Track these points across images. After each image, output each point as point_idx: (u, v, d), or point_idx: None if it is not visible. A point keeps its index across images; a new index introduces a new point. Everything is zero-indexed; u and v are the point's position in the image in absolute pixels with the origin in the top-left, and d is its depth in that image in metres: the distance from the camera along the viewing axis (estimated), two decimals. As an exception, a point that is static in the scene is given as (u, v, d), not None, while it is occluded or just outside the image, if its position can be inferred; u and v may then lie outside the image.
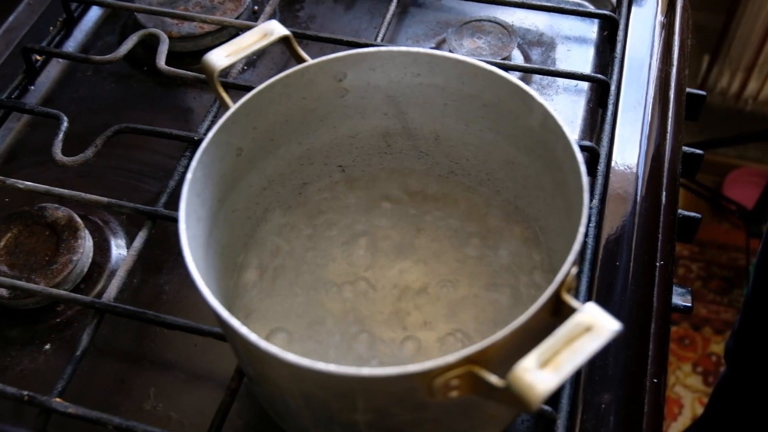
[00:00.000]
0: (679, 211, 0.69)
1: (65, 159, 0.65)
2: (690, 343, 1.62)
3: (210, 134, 0.45)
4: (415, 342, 0.53)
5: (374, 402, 0.41)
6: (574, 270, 0.41)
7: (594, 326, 0.35)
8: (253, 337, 0.38)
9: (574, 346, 0.35)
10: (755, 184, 1.74)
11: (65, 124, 0.68)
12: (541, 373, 0.34)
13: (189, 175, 0.44)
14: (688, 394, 1.55)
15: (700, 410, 1.51)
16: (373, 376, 0.37)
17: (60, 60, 0.79)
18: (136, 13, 0.79)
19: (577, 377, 0.55)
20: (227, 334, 0.44)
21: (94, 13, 0.84)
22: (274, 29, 0.49)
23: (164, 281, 0.63)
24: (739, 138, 1.75)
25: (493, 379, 0.36)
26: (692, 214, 0.72)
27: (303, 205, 0.58)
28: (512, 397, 0.35)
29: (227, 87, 0.70)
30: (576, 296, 0.56)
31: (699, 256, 1.73)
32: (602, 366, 0.56)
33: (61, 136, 0.67)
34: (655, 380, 0.57)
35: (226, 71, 0.73)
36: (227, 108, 0.48)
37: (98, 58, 0.74)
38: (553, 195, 0.50)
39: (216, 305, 0.40)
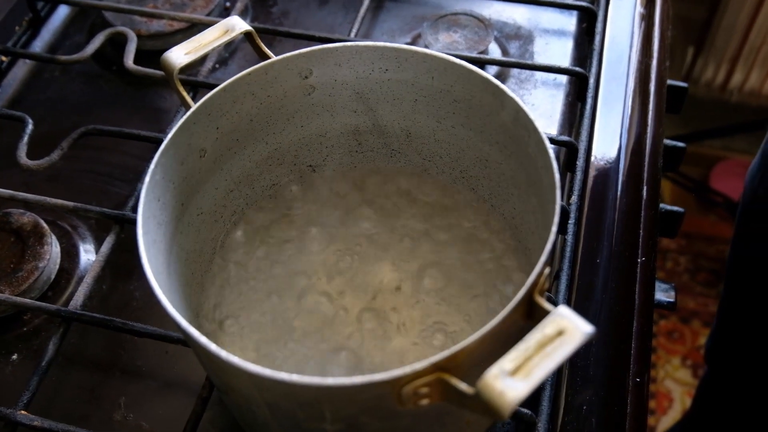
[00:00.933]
0: (662, 205, 0.68)
1: (30, 163, 0.63)
2: (679, 336, 1.61)
3: (169, 135, 0.44)
4: (390, 346, 0.51)
5: (342, 412, 0.39)
6: (547, 270, 0.39)
7: (566, 330, 0.34)
8: (213, 346, 0.37)
9: (546, 351, 0.34)
10: (742, 176, 1.73)
11: (30, 126, 0.66)
12: (512, 380, 0.33)
13: (147, 179, 0.42)
14: (677, 387, 1.55)
15: (690, 403, 1.50)
16: (338, 386, 0.35)
17: (27, 61, 0.77)
18: (104, 12, 0.77)
19: (558, 378, 0.54)
20: (190, 343, 0.43)
21: (62, 11, 0.82)
22: (235, 25, 0.47)
23: (134, 287, 0.62)
24: (724, 129, 1.74)
25: (463, 386, 0.35)
26: (675, 208, 0.71)
27: (273, 207, 0.56)
28: (482, 405, 0.33)
29: (198, 86, 0.68)
30: (555, 295, 0.55)
31: (686, 249, 1.72)
32: (583, 366, 0.55)
33: (25, 139, 0.65)
34: (638, 379, 0.55)
35: (195, 70, 0.72)
36: (189, 108, 0.46)
37: (65, 58, 0.72)
38: (527, 192, 0.48)
39: (174, 314, 0.38)
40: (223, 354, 0.36)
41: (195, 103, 0.46)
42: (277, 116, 0.51)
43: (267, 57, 0.48)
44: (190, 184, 0.48)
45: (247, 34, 0.48)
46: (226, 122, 0.48)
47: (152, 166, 0.43)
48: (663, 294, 0.67)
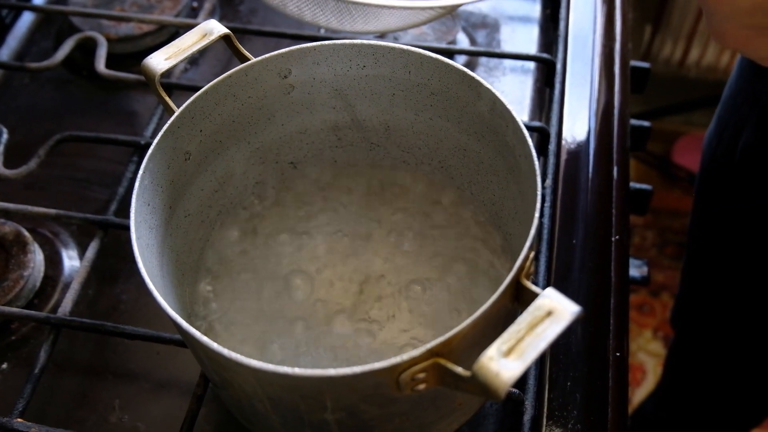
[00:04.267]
0: (631, 183, 0.70)
1: (8, 172, 0.63)
2: (649, 309, 1.65)
3: (155, 141, 0.45)
4: (379, 335, 0.53)
5: (343, 401, 0.40)
6: (533, 254, 0.41)
7: (555, 310, 0.36)
8: (214, 345, 0.38)
9: (537, 331, 0.35)
10: (703, 150, 1.77)
11: (5, 135, 0.66)
12: (506, 361, 0.35)
13: (136, 184, 0.43)
14: (650, 359, 1.58)
15: (662, 374, 1.54)
16: (340, 376, 0.37)
17: (-6, 69, 0.77)
18: (70, 17, 0.77)
19: (542, 358, 0.56)
20: (189, 343, 0.43)
21: (27, 18, 0.81)
22: (213, 28, 0.48)
23: (121, 290, 0.62)
24: (684, 105, 1.77)
25: (459, 369, 0.36)
26: (644, 186, 0.73)
27: (257, 205, 0.57)
28: (479, 387, 0.35)
29: (171, 88, 0.68)
30: (535, 277, 0.57)
31: (653, 224, 1.76)
32: (566, 344, 0.57)
33: (1, 148, 0.65)
34: (618, 354, 0.57)
35: (168, 72, 0.72)
36: (171, 112, 0.47)
37: (34, 65, 0.72)
38: (506, 179, 0.50)
39: (175, 316, 0.39)
40: (226, 352, 0.37)
41: (177, 106, 0.47)
42: (258, 116, 0.52)
43: (246, 58, 0.49)
44: (177, 187, 0.49)
45: (225, 37, 0.49)
46: (209, 124, 0.49)
47: (141, 171, 0.44)
48: (636, 270, 0.70)
